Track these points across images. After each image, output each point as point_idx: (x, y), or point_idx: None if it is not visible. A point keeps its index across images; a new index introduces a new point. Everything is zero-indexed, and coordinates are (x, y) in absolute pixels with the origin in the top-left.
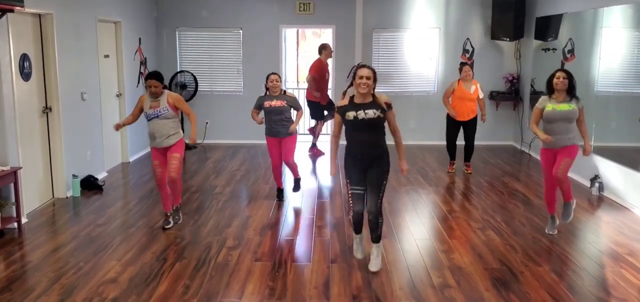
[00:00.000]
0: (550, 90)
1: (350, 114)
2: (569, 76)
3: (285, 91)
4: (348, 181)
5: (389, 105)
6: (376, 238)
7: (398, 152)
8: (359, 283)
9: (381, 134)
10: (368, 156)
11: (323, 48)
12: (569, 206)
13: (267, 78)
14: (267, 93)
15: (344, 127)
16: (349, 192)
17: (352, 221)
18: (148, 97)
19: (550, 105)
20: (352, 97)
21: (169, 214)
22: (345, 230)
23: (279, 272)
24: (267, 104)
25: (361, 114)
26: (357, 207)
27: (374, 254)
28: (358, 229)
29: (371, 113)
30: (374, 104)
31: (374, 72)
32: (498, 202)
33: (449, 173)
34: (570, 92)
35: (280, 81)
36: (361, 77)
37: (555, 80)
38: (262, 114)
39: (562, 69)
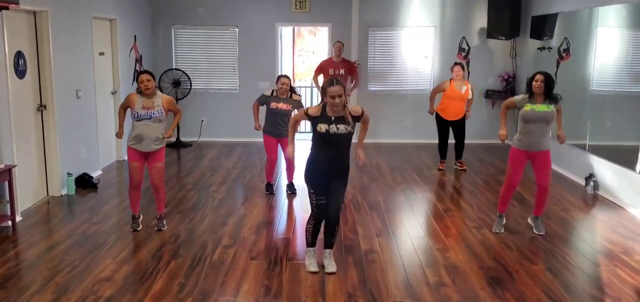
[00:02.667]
0: (530, 92)
1: (322, 127)
2: (547, 79)
3: (292, 94)
4: (312, 191)
5: (362, 112)
6: (331, 244)
7: (360, 136)
8: (355, 281)
9: (348, 149)
10: (335, 169)
11: None
12: (539, 219)
13: (277, 79)
14: (274, 93)
15: (312, 134)
16: (314, 202)
17: (312, 231)
18: (139, 96)
19: (529, 106)
20: (324, 107)
21: (138, 215)
22: (341, 229)
23: (274, 270)
24: (273, 104)
25: (333, 129)
26: (321, 217)
27: (329, 257)
28: (314, 242)
29: (343, 129)
30: (345, 118)
31: (343, 87)
32: (493, 200)
33: (439, 170)
34: (548, 94)
35: (290, 83)
36: (333, 97)
37: (534, 83)
38: (262, 118)
39: (541, 72)
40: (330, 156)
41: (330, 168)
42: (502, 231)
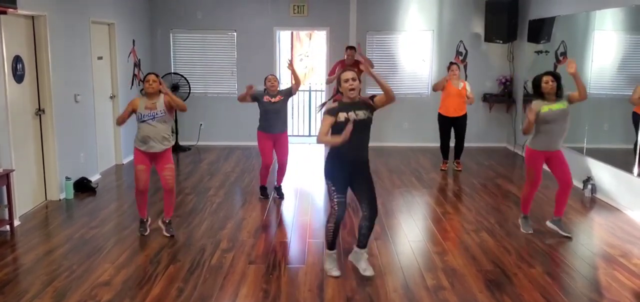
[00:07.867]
0: (540, 94)
1: (342, 115)
2: (557, 78)
3: (280, 91)
4: (333, 188)
5: (372, 97)
6: (365, 244)
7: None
8: (353, 285)
9: (368, 138)
10: (355, 160)
11: None
12: (562, 220)
13: (265, 79)
14: (265, 91)
15: (332, 129)
16: (335, 200)
17: (333, 231)
18: (142, 98)
19: (546, 107)
20: (339, 101)
21: (146, 220)
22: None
23: (273, 274)
24: (266, 98)
25: (352, 115)
26: (340, 215)
27: (365, 258)
28: (335, 244)
29: (362, 114)
30: (363, 104)
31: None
32: (491, 203)
33: (442, 170)
34: (558, 93)
35: (278, 82)
36: (347, 80)
37: (544, 84)
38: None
39: (548, 73)
40: (350, 145)
41: (349, 159)
42: (531, 231)
